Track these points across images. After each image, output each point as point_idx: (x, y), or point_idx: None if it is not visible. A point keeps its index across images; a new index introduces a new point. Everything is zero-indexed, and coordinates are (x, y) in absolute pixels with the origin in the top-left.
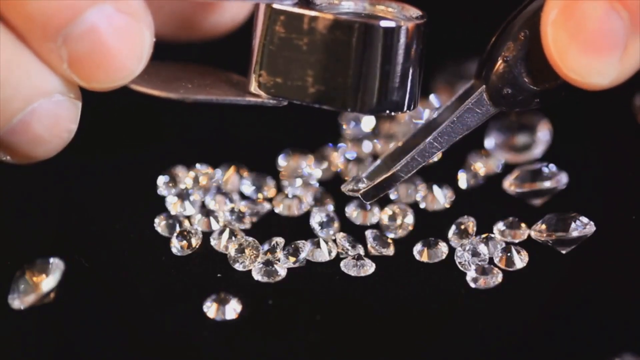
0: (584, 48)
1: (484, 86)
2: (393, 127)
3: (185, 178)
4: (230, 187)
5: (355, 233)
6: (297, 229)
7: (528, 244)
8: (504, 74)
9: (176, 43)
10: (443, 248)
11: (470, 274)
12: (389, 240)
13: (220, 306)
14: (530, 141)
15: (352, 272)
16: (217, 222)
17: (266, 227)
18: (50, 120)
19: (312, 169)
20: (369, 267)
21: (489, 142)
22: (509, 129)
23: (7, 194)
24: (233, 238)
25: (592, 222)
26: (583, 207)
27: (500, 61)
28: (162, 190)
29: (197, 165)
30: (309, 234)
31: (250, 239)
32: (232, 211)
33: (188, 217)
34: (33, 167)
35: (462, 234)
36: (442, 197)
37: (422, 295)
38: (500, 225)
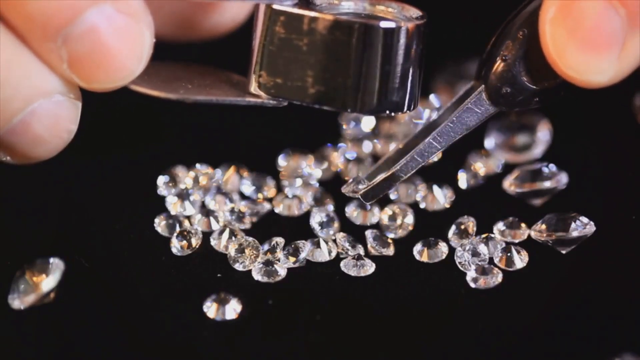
0: (582, 45)
1: (483, 86)
2: (393, 127)
3: (185, 178)
4: (230, 187)
5: (355, 233)
6: (297, 229)
7: (528, 244)
8: (503, 73)
9: (176, 43)
10: (443, 248)
11: (470, 274)
12: (389, 240)
13: (220, 306)
14: (530, 141)
15: (352, 272)
16: (217, 222)
17: (266, 227)
18: (50, 120)
19: (312, 169)
20: (369, 267)
21: (489, 142)
22: (509, 129)
23: (7, 194)
24: (233, 238)
25: (592, 222)
26: (583, 207)
27: (498, 60)
28: (162, 190)
29: (197, 165)
30: (309, 234)
31: (250, 239)
32: (232, 211)
33: (188, 217)
34: (33, 167)
35: (462, 234)
36: (442, 197)
37: (422, 295)
38: (500, 225)
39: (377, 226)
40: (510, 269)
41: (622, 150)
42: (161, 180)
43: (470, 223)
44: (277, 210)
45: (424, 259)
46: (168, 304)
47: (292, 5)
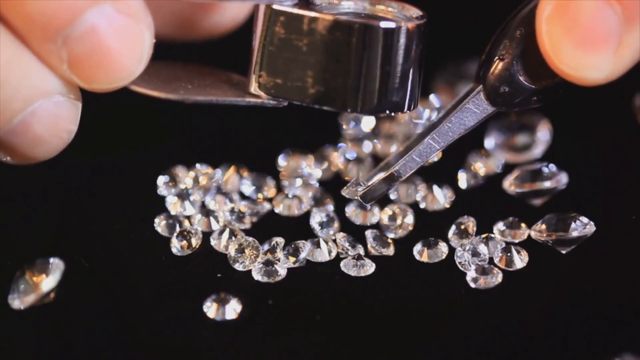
0: (579, 43)
1: (481, 86)
2: (393, 127)
3: (185, 178)
4: (230, 187)
5: (355, 233)
6: (297, 229)
7: (528, 244)
8: (501, 73)
9: (176, 43)
10: (443, 248)
11: (470, 274)
12: (389, 240)
13: (220, 306)
14: (530, 141)
15: (352, 272)
16: (217, 222)
17: (266, 227)
18: (51, 120)
19: (312, 169)
20: (369, 267)
21: (489, 142)
22: (509, 129)
23: (7, 194)
24: (233, 238)
25: (592, 222)
26: (583, 207)
27: (496, 60)
28: (162, 190)
29: (197, 165)
30: (309, 234)
31: (250, 239)
32: (232, 211)
33: (188, 217)
34: (33, 167)
35: (462, 234)
36: (442, 197)
37: (422, 295)
38: (500, 225)
39: (377, 226)
40: (510, 269)
41: (622, 150)
42: (161, 180)
43: (470, 223)
44: (277, 210)
45: (424, 259)
46: (168, 304)
47: (292, 5)
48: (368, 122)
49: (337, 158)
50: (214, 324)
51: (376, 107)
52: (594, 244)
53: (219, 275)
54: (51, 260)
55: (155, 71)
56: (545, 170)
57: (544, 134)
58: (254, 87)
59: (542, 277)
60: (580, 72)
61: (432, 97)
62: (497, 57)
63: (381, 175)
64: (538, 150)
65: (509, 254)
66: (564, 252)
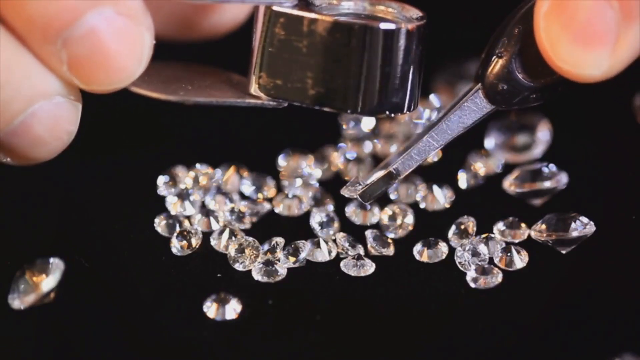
0: (576, 39)
1: (480, 84)
2: (393, 127)
3: (185, 178)
4: (230, 187)
5: (355, 233)
6: (297, 229)
7: (528, 244)
8: (499, 70)
9: (176, 43)
10: (443, 248)
11: (470, 274)
12: (389, 240)
13: (220, 306)
14: (530, 141)
15: (352, 272)
16: (217, 222)
17: (266, 227)
18: (51, 121)
19: (312, 169)
20: (369, 267)
21: (489, 142)
22: (509, 129)
23: (7, 194)
24: (233, 238)
25: (592, 222)
26: (583, 207)
27: (495, 57)
28: (162, 190)
29: (197, 165)
30: (309, 234)
31: (250, 239)
32: (232, 211)
33: (188, 217)
34: (33, 167)
35: (462, 234)
36: (442, 197)
37: (422, 295)
38: (500, 225)
39: (377, 226)
40: (510, 269)
41: (622, 150)
42: (161, 180)
43: (470, 223)
44: (277, 210)
45: (424, 259)
46: (168, 304)
47: (292, 6)
48: (368, 122)
49: (337, 158)
50: (214, 324)
51: (376, 107)
52: (594, 244)
53: (219, 275)
54: (51, 260)
55: (155, 72)
56: (545, 170)
57: (544, 134)
58: (254, 88)
59: (542, 277)
60: (578, 68)
61: (432, 97)
62: (495, 55)
63: (380, 173)
64: (538, 150)
65: (509, 254)
66: (564, 252)
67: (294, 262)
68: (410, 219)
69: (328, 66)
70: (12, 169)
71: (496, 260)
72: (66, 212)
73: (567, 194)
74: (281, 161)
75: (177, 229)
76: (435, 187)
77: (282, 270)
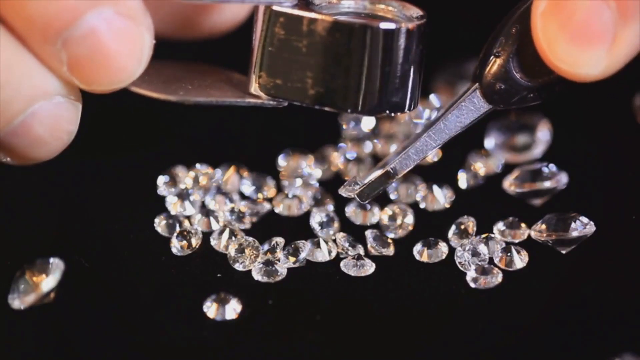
0: (573, 39)
1: (477, 83)
2: (393, 127)
3: (185, 178)
4: (230, 187)
5: (355, 233)
6: (297, 229)
7: (528, 244)
8: (497, 70)
9: (176, 43)
10: (443, 248)
11: (470, 274)
12: (389, 240)
13: (220, 306)
14: (530, 141)
15: (352, 272)
16: (217, 222)
17: (266, 227)
18: (51, 121)
19: (312, 169)
20: (369, 267)
21: (489, 142)
22: (509, 129)
23: (7, 194)
24: (233, 238)
25: (592, 222)
26: (583, 207)
27: (492, 57)
28: (162, 190)
29: (197, 165)
30: (309, 234)
31: (250, 239)
32: (232, 211)
33: (188, 217)
34: (33, 167)
35: (462, 234)
36: (442, 197)
37: (422, 295)
38: (500, 225)
39: (377, 226)
40: (510, 269)
41: (622, 150)
42: (161, 180)
43: (470, 223)
44: (277, 210)
45: (424, 259)
46: (168, 304)
47: (291, 6)
48: (368, 122)
49: (337, 158)
50: (214, 324)
51: (376, 107)
52: (594, 244)
53: (219, 275)
54: (51, 260)
55: (155, 71)
56: (545, 170)
57: (544, 134)
58: (254, 88)
59: (542, 277)
60: (575, 68)
61: (432, 97)
62: (492, 55)
63: (377, 173)
64: (538, 150)
65: (509, 254)
66: (564, 252)
67: (294, 262)
68: (410, 219)
69: (328, 66)
70: (12, 169)
71: (496, 260)
72: (66, 212)
73: (567, 194)
74: (281, 161)
75: (177, 229)
76: (435, 187)
77: (282, 270)
